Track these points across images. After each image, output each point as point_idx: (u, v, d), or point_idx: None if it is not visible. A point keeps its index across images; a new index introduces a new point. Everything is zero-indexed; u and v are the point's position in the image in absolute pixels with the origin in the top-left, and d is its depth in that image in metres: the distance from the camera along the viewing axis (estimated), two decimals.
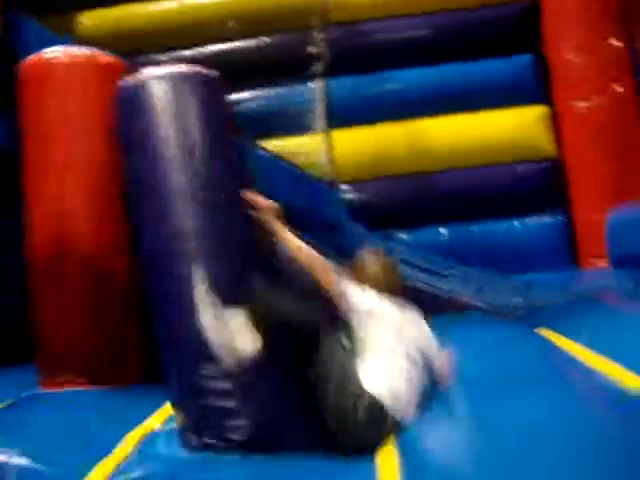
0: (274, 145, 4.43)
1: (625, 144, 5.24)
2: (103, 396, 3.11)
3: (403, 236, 5.47)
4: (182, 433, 2.52)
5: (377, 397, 2.45)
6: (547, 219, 5.54)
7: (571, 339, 3.07)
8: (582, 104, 5.46)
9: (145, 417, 2.75)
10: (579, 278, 4.90)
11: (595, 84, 5.39)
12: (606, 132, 5.40)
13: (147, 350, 3.27)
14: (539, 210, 5.53)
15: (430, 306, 4.20)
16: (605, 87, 5.36)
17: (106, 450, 2.46)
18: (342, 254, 4.43)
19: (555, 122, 5.62)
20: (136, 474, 2.28)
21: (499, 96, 5.59)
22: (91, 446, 2.47)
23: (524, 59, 5.63)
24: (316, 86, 4.54)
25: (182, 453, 2.43)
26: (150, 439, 2.52)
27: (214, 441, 2.37)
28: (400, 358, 2.57)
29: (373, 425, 2.42)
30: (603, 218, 5.18)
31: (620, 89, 5.26)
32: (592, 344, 2.92)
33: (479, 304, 4.28)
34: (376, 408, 2.43)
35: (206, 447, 2.39)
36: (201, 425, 2.44)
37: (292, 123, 4.53)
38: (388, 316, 2.73)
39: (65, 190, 3.42)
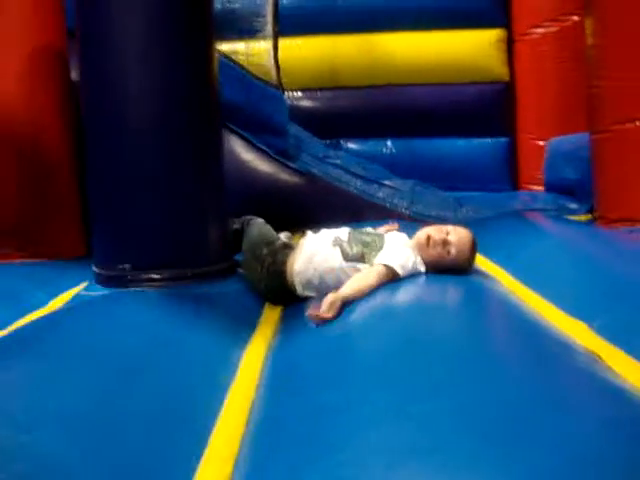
0: (224, 47, 4.51)
1: (575, 75, 5.40)
2: (39, 267, 3.32)
3: (350, 145, 5.67)
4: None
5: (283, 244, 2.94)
6: (491, 141, 5.75)
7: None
8: (538, 31, 5.59)
9: (76, 285, 2.98)
10: (511, 199, 5.15)
11: (552, 14, 5.51)
12: (558, 61, 5.56)
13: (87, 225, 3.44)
14: (485, 132, 5.72)
15: (362, 211, 4.50)
16: (560, 17, 5.48)
17: (36, 307, 2.72)
18: (283, 156, 4.65)
19: (511, 47, 5.76)
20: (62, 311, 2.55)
21: (460, 17, 5.67)
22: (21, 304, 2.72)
23: None
24: None
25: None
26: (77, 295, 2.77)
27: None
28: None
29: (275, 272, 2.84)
30: (545, 145, 5.42)
31: (574, 20, 5.38)
32: (492, 255, 3.21)
33: (409, 214, 4.54)
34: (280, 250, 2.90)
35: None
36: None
37: (242, 26, 4.60)
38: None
39: None
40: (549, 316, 2.38)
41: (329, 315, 2.36)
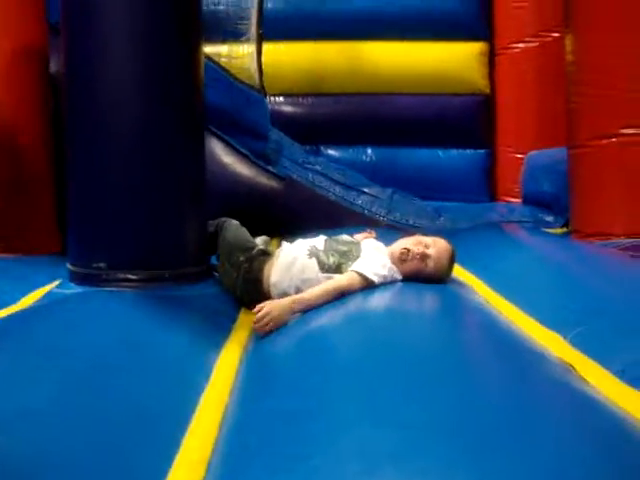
0: (207, 49, 4.48)
1: (554, 91, 5.48)
2: (12, 263, 3.28)
3: (330, 152, 5.69)
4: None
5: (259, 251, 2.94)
6: (471, 152, 5.81)
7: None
8: (519, 46, 5.66)
9: (49, 282, 2.94)
10: (488, 210, 5.19)
11: (533, 29, 5.58)
12: (538, 76, 5.63)
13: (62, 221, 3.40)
14: (465, 143, 5.78)
15: (340, 217, 4.50)
16: (541, 33, 5.55)
17: (7, 303, 2.67)
18: (264, 160, 4.64)
19: (492, 60, 5.82)
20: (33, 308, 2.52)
21: (443, 29, 5.71)
22: None
23: None
24: None
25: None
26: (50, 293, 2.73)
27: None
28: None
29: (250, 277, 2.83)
30: (523, 159, 5.48)
31: (555, 36, 5.45)
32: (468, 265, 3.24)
33: (387, 222, 4.56)
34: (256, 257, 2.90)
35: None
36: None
37: (226, 28, 4.60)
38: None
39: None
40: (524, 326, 2.40)
41: (262, 324, 2.37)
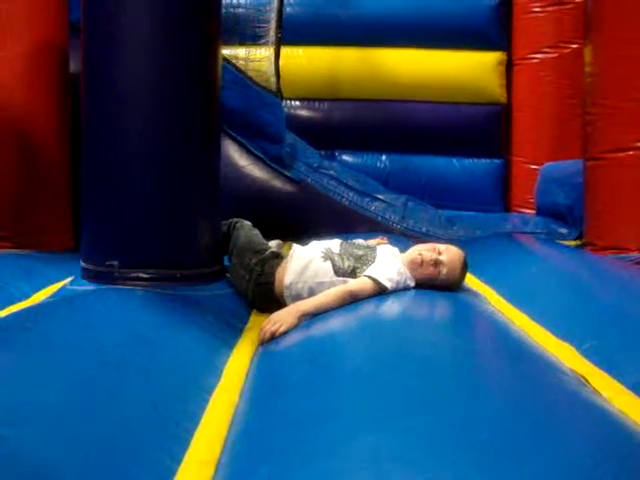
0: (225, 52, 4.50)
1: (571, 102, 5.46)
2: (25, 259, 3.29)
3: (345, 157, 5.69)
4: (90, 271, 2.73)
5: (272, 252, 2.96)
6: (485, 162, 5.79)
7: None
8: (537, 56, 5.64)
9: (62, 278, 2.96)
10: (502, 220, 5.18)
11: (551, 40, 5.57)
12: (555, 88, 5.61)
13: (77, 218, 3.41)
14: (480, 152, 5.75)
15: (353, 223, 4.51)
16: (560, 44, 5.54)
17: (19, 299, 2.69)
18: (278, 163, 4.65)
19: (509, 70, 5.81)
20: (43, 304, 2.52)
21: (462, 38, 5.70)
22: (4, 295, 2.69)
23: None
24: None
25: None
26: (62, 289, 2.74)
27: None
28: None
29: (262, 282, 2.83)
30: (538, 170, 5.47)
31: (573, 47, 5.44)
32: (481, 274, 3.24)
33: (400, 229, 4.56)
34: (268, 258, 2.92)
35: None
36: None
37: (244, 32, 4.61)
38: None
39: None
40: (536, 336, 2.38)
41: (274, 329, 2.36)
